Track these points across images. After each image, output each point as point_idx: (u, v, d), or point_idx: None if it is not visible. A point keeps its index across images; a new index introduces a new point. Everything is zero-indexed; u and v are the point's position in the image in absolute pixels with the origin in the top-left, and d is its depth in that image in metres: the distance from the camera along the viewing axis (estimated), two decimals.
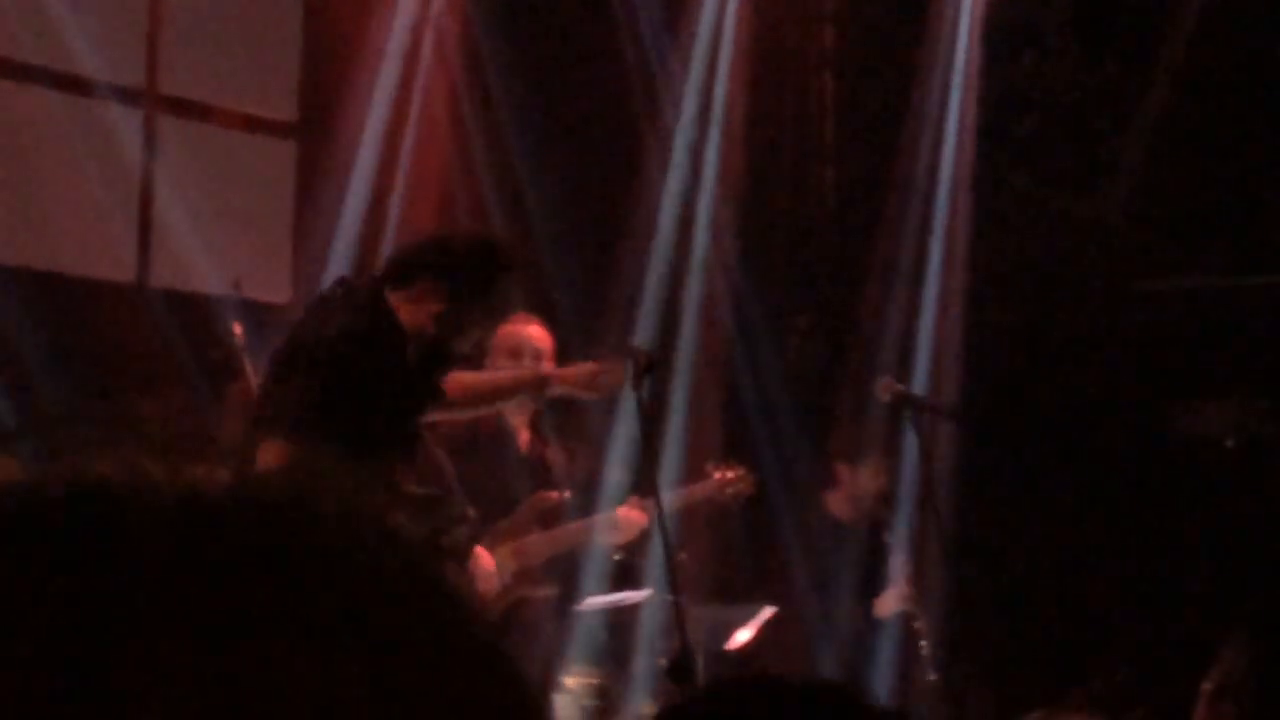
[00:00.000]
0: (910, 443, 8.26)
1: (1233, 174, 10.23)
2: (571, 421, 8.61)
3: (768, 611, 8.24)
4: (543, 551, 7.52)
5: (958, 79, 10.55)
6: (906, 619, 8.35)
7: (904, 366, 9.87)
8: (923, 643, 8.20)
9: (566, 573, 7.92)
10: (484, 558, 7.33)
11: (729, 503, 8.11)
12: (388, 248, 9.51)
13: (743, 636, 8.23)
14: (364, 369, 5.86)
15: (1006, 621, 9.50)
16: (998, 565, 9.75)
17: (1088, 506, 10.05)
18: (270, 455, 5.62)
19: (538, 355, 7.59)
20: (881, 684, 8.45)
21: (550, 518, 7.61)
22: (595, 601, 7.94)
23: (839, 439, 8.84)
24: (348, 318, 5.93)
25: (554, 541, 7.59)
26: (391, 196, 9.68)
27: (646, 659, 8.27)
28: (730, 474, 8.05)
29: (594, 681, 8.07)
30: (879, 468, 8.52)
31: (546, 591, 7.62)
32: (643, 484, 7.58)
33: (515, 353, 7.60)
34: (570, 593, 7.94)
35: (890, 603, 8.37)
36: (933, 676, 8.11)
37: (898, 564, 8.36)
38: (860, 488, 8.50)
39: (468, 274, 6.14)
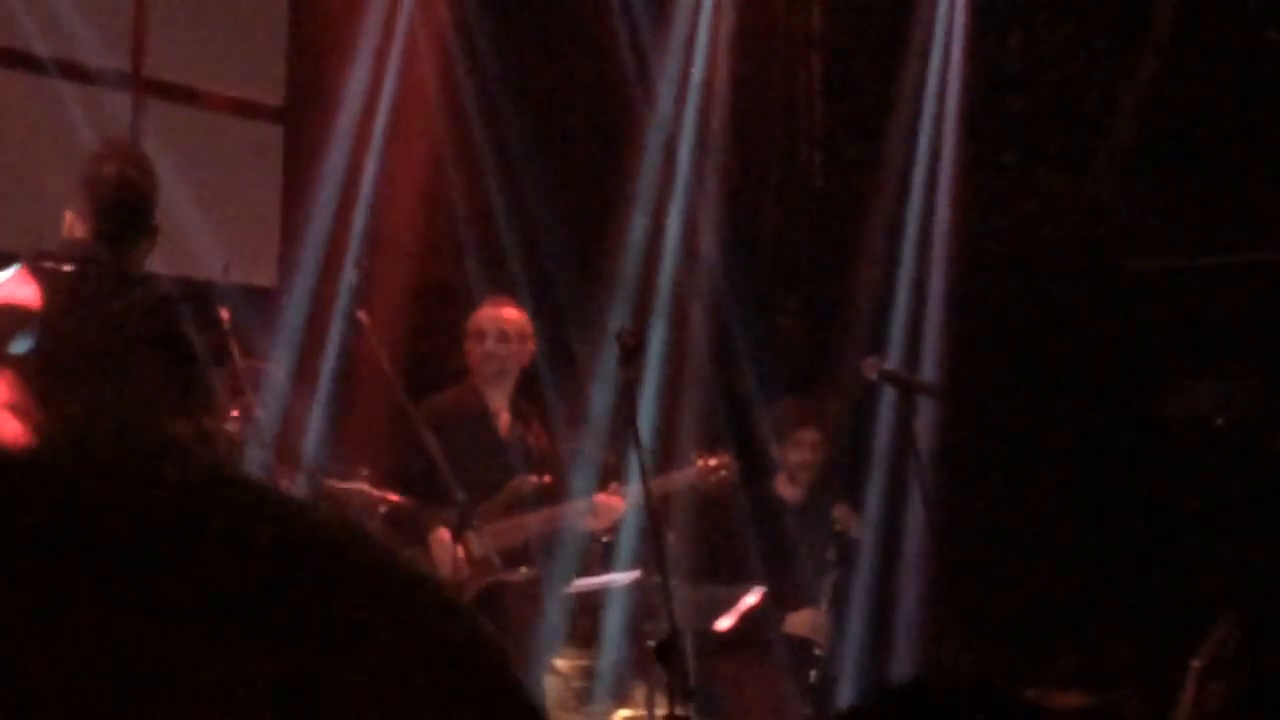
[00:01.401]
0: (893, 420, 8.26)
1: (1221, 152, 10.22)
2: (552, 404, 8.62)
3: (757, 592, 8.24)
4: (520, 535, 7.54)
5: (946, 59, 10.54)
6: (807, 645, 8.27)
7: (892, 346, 9.87)
8: (813, 672, 8.15)
9: (554, 554, 7.92)
10: (443, 536, 7.35)
11: (712, 490, 8.12)
12: (373, 230, 9.51)
13: (727, 621, 8.23)
14: None
15: (994, 601, 9.50)
16: (984, 544, 9.75)
17: (1076, 485, 10.06)
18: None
19: (507, 336, 7.60)
20: None
21: (530, 501, 7.62)
22: (583, 583, 7.94)
23: (773, 419, 8.80)
24: (163, 290, 5.79)
25: (531, 525, 7.59)
26: (378, 180, 9.66)
27: (635, 640, 8.26)
28: (714, 461, 8.06)
29: (583, 663, 8.08)
30: (805, 441, 8.46)
31: (525, 574, 7.62)
32: (624, 468, 7.59)
33: (484, 335, 7.62)
34: (558, 574, 7.95)
35: (801, 624, 8.31)
36: (808, 711, 8.08)
37: (825, 600, 8.30)
38: (789, 462, 8.47)
39: None
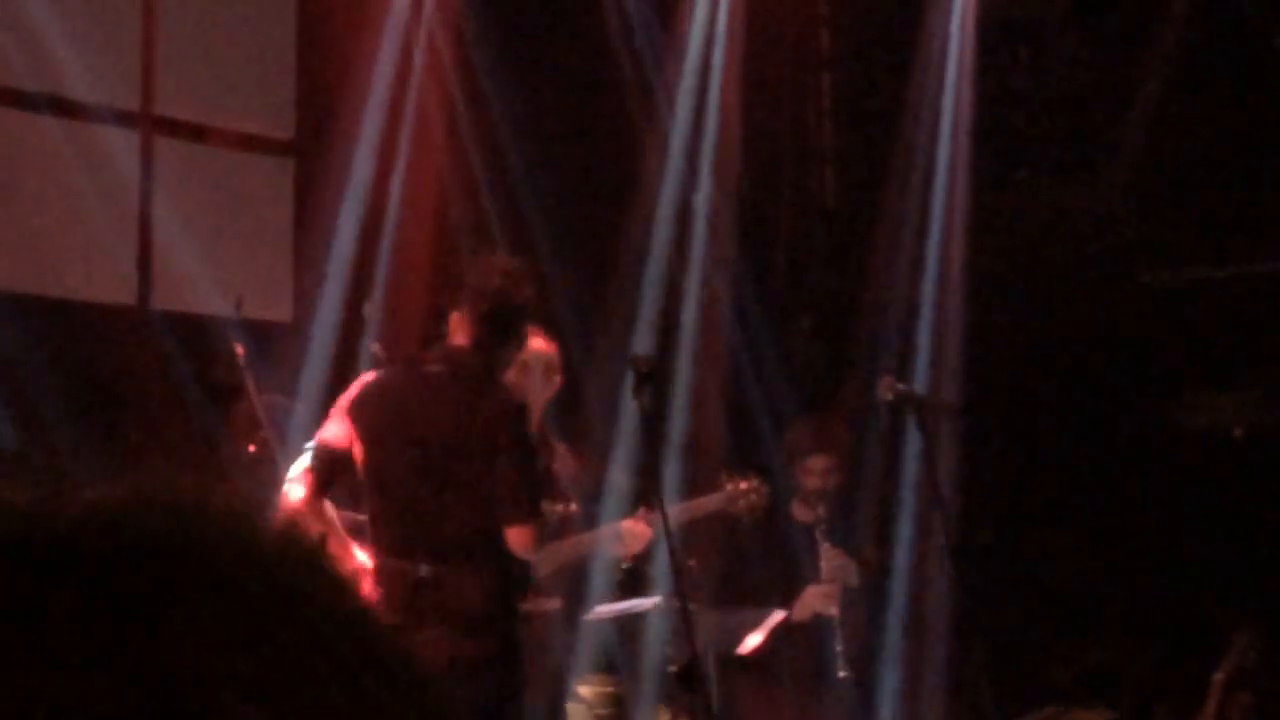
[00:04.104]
0: (914, 441, 8.24)
1: (1232, 163, 10.21)
2: (576, 431, 8.60)
3: (778, 615, 8.21)
4: (549, 564, 7.51)
5: (954, 74, 10.54)
6: (824, 620, 8.21)
7: (906, 365, 9.86)
8: (838, 642, 8.10)
9: (574, 581, 7.91)
10: None
11: (742, 513, 8.06)
12: (387, 263, 9.52)
13: (753, 641, 8.21)
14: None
15: (1014, 614, 9.48)
16: (1004, 562, 9.73)
17: (1095, 500, 10.04)
18: (526, 539, 6.24)
19: (527, 368, 7.57)
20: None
21: (554, 530, 7.60)
22: (604, 610, 7.93)
23: (786, 443, 8.76)
24: (512, 400, 6.36)
25: (560, 554, 7.57)
26: (390, 210, 9.67)
27: (657, 666, 8.26)
28: (744, 485, 8.00)
29: (607, 690, 8.06)
30: (815, 468, 8.42)
31: (553, 604, 7.60)
32: (648, 493, 7.57)
33: (525, 367, 7.57)
34: (579, 601, 7.93)
35: (808, 605, 8.26)
36: (843, 674, 8.04)
37: (824, 563, 8.25)
38: (804, 488, 8.43)
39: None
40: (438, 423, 6.26)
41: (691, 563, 7.94)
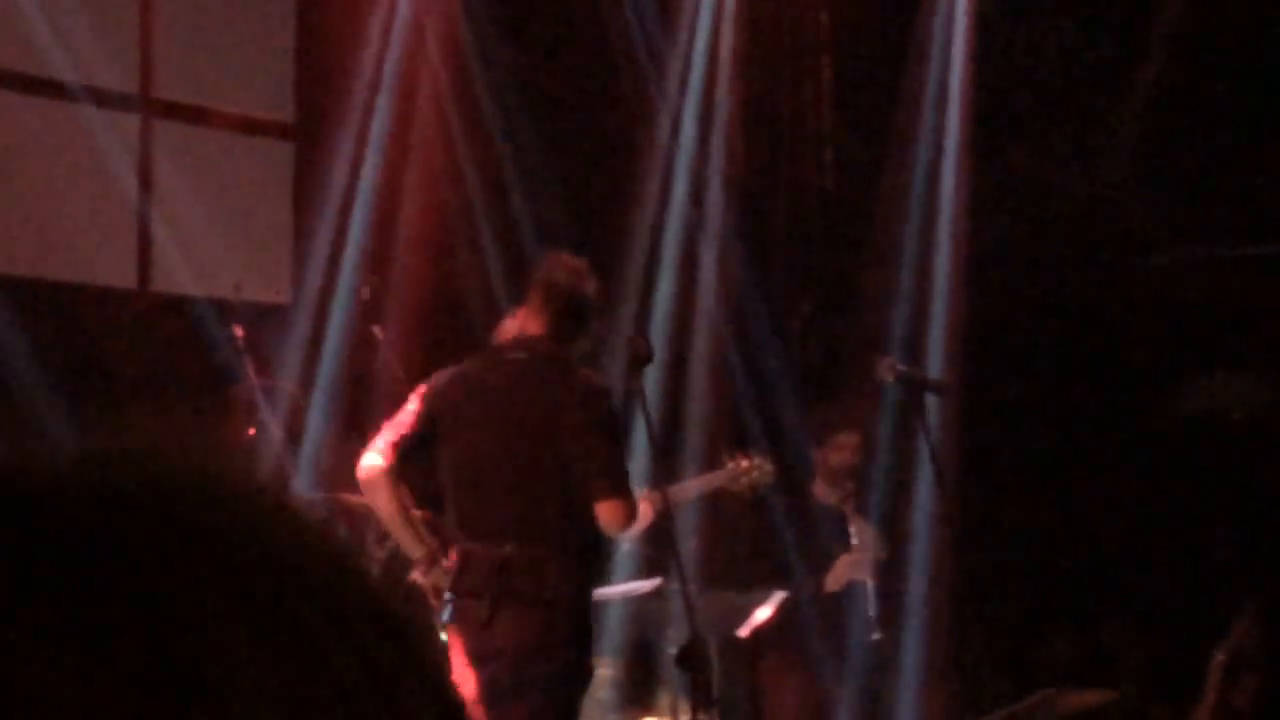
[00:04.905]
0: (894, 417, 8.24)
1: (1230, 144, 10.20)
2: None
3: (779, 597, 8.22)
4: None
5: (953, 59, 10.53)
6: (858, 586, 8.26)
7: (907, 345, 9.86)
8: (870, 606, 8.14)
9: None
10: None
11: (744, 491, 8.07)
12: (385, 244, 9.52)
13: (755, 621, 8.21)
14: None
15: (1012, 597, 9.49)
16: (1005, 542, 9.74)
17: (1095, 481, 10.05)
18: (618, 514, 6.30)
19: None
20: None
21: None
22: (605, 592, 7.93)
23: (811, 423, 8.80)
24: (598, 381, 6.53)
25: None
26: (389, 193, 9.67)
27: (658, 648, 8.26)
28: (746, 463, 8.01)
29: (607, 672, 8.06)
30: (845, 444, 8.45)
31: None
32: (648, 475, 7.57)
33: None
34: None
35: (840, 574, 8.28)
36: (877, 636, 8.08)
37: (855, 532, 8.29)
38: (829, 468, 8.44)
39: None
40: (521, 406, 6.39)
41: (692, 544, 7.95)
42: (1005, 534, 9.82)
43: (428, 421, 6.45)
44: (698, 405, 9.87)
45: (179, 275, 8.97)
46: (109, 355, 8.67)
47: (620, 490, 6.35)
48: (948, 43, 10.54)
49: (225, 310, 8.19)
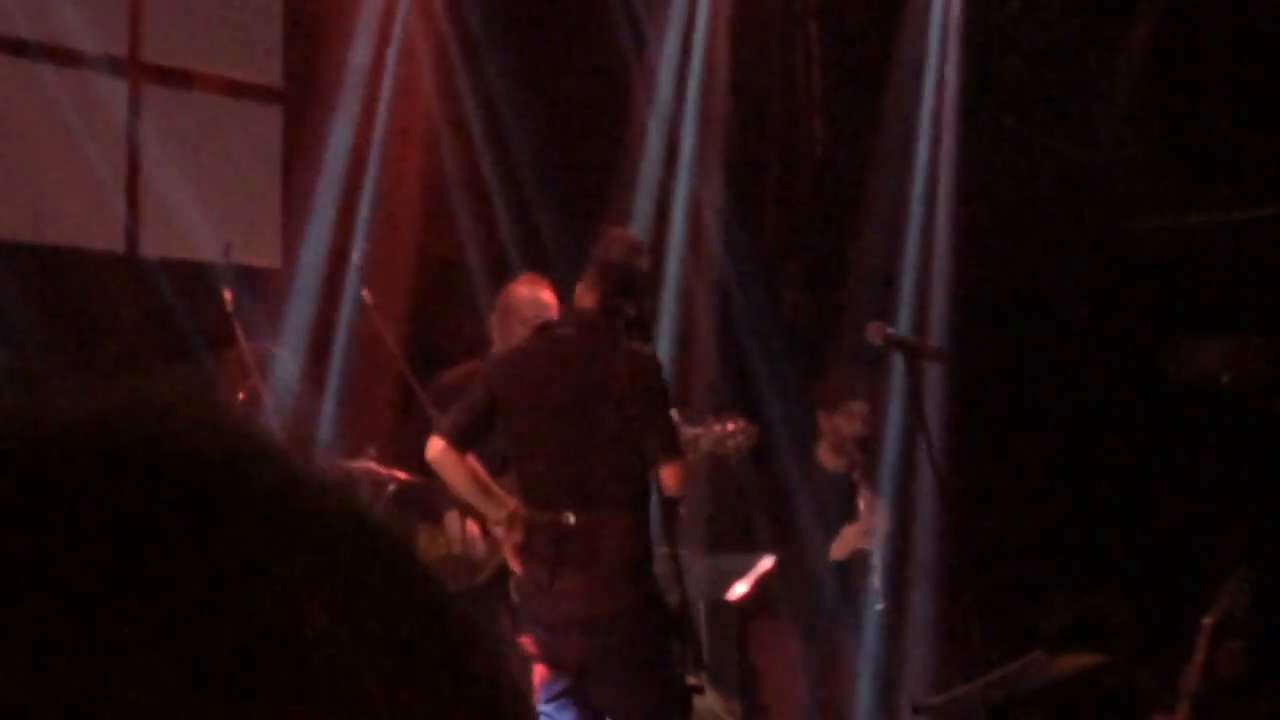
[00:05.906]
0: (901, 386, 8.24)
1: (1222, 110, 10.20)
2: None
3: (767, 562, 8.23)
4: None
5: (944, 24, 10.52)
6: (862, 555, 8.29)
7: (896, 311, 9.87)
8: (875, 576, 8.18)
9: None
10: (455, 514, 7.50)
11: (729, 455, 8.08)
12: (376, 209, 9.51)
13: (742, 587, 8.23)
14: None
15: (1003, 562, 9.50)
16: (993, 507, 9.75)
17: (1083, 446, 10.06)
18: (678, 475, 6.53)
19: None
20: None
21: None
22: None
23: (821, 390, 8.81)
24: (646, 351, 6.68)
25: None
26: (378, 158, 9.66)
27: None
28: (730, 426, 8.01)
29: None
30: (856, 413, 8.47)
31: None
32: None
33: (516, 314, 7.58)
34: None
35: (847, 543, 8.31)
36: (879, 606, 8.13)
37: (863, 503, 8.32)
38: (839, 435, 8.46)
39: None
40: (573, 378, 6.55)
41: (680, 509, 7.96)
42: (993, 500, 9.84)
43: (488, 400, 6.65)
44: (693, 374, 9.86)
45: (169, 238, 8.96)
46: (99, 319, 8.66)
47: (679, 453, 6.63)
48: (940, 7, 10.52)
49: (215, 273, 8.18)
